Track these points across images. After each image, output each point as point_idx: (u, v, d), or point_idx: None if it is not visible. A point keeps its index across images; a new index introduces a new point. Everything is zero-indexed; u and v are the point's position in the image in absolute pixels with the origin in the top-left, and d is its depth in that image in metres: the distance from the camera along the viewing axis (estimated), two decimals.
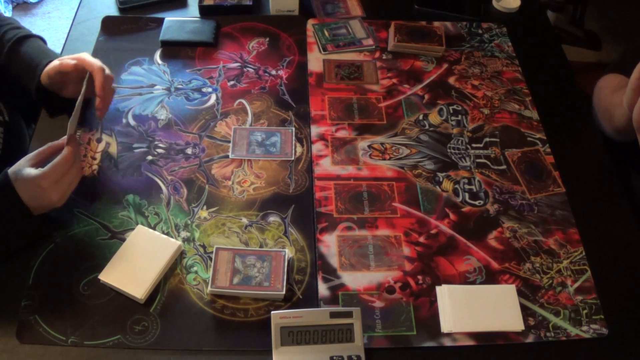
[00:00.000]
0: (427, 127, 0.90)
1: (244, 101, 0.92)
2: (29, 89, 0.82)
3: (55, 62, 0.79)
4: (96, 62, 0.78)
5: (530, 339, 0.69)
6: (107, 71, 0.80)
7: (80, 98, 0.75)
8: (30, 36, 0.86)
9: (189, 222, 0.77)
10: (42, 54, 0.82)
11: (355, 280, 0.73)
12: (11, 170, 0.68)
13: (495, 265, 0.75)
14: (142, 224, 0.76)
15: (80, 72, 0.78)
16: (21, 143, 0.89)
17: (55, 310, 0.68)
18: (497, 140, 0.89)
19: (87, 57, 0.79)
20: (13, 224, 0.69)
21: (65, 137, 0.72)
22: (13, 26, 0.87)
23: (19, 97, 0.85)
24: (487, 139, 0.89)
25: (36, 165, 0.70)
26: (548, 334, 0.69)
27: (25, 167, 0.68)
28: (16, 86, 0.83)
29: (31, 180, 0.67)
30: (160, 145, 0.85)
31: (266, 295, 0.70)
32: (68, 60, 0.78)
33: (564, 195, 0.82)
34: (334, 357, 0.64)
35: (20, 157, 0.71)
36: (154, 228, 0.76)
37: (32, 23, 2.21)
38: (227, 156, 0.84)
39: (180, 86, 0.93)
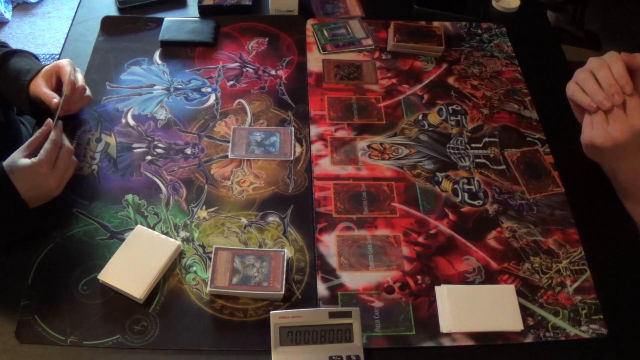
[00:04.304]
0: (426, 127, 0.90)
1: (243, 101, 0.92)
2: (17, 104, 0.84)
3: (34, 88, 0.80)
4: (69, 75, 0.80)
5: (529, 339, 0.69)
6: (80, 82, 0.82)
7: (64, 89, 0.78)
8: (16, 52, 0.85)
9: (188, 222, 0.77)
10: (23, 73, 0.82)
11: (354, 280, 0.73)
12: (5, 163, 0.69)
13: (494, 265, 0.75)
14: (142, 224, 0.76)
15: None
16: (19, 144, 0.89)
17: (55, 310, 0.68)
18: (497, 140, 0.89)
19: (64, 66, 0.81)
20: (9, 215, 0.69)
21: (49, 120, 0.73)
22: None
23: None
24: (487, 139, 0.89)
25: (29, 155, 0.71)
26: (547, 334, 0.69)
27: (19, 159, 0.70)
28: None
29: (29, 169, 0.69)
30: (160, 145, 0.85)
31: (265, 295, 0.70)
32: (42, 89, 0.79)
33: (563, 195, 0.82)
34: (333, 357, 0.64)
35: None
36: (153, 228, 0.76)
37: (32, 23, 2.21)
38: (227, 156, 0.84)
39: (179, 86, 0.93)
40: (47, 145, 0.71)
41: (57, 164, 0.72)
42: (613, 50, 0.73)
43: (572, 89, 0.75)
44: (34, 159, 0.70)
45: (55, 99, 0.78)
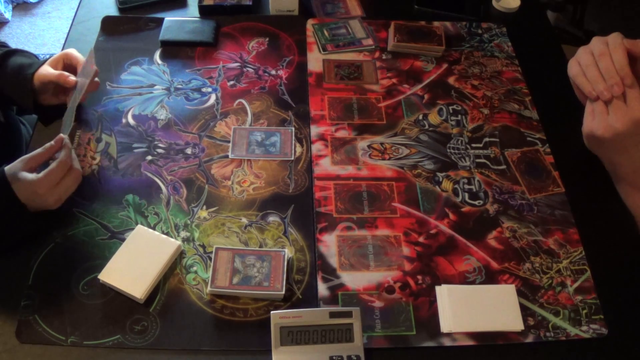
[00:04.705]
0: (426, 127, 0.90)
1: (243, 101, 0.92)
2: (20, 100, 0.83)
3: (42, 73, 0.80)
4: (80, 57, 0.82)
5: (529, 339, 0.69)
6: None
7: (73, 101, 0.76)
8: (17, 51, 0.85)
9: (189, 222, 0.77)
10: (26, 67, 0.82)
11: (354, 280, 0.73)
12: (7, 169, 0.68)
13: (494, 265, 0.75)
14: (142, 223, 0.76)
15: (58, 84, 0.80)
16: (19, 144, 0.89)
17: (55, 310, 0.68)
18: (497, 140, 0.89)
19: (73, 52, 0.83)
20: (9, 219, 0.69)
21: (60, 137, 0.72)
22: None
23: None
24: (487, 139, 0.89)
25: (31, 170, 0.69)
26: (548, 333, 0.69)
27: (20, 171, 0.68)
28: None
29: (28, 186, 0.67)
30: (160, 145, 0.85)
31: (266, 295, 0.70)
32: (51, 71, 0.80)
33: (564, 195, 0.82)
34: (334, 357, 0.64)
35: (18, 157, 0.71)
36: (153, 228, 0.76)
37: (32, 23, 2.21)
38: (227, 156, 0.84)
39: (179, 86, 0.93)
40: (54, 165, 0.69)
41: (60, 184, 0.70)
42: (618, 33, 0.73)
43: (575, 71, 0.76)
44: (35, 177, 0.68)
45: (70, 76, 0.77)
